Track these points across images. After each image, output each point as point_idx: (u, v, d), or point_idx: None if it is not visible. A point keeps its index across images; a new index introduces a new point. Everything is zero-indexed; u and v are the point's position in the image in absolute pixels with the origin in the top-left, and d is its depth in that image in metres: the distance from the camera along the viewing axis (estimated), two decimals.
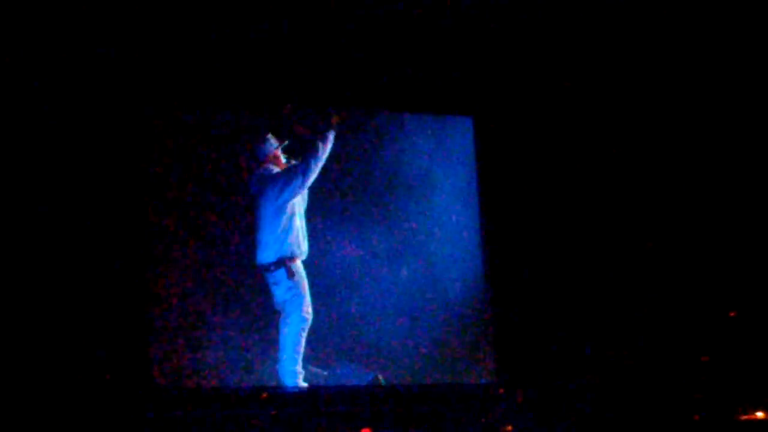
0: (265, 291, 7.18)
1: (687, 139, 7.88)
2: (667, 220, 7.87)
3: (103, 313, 6.63)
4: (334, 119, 7.26)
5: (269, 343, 7.17)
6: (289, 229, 7.15)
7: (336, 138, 7.27)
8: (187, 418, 6.62)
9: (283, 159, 7.30)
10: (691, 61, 7.81)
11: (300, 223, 7.23)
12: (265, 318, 7.23)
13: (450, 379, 7.58)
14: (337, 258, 7.54)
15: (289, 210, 7.17)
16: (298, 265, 7.19)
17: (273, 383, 7.10)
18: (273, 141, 7.28)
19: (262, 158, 7.26)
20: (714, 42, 7.70)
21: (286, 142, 7.29)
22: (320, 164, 7.16)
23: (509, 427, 7.34)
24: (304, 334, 7.11)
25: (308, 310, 7.15)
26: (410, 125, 7.88)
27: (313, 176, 7.16)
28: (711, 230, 7.82)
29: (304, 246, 7.22)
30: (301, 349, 7.09)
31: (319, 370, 7.26)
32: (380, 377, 7.36)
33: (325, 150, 7.17)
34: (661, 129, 7.91)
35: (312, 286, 7.22)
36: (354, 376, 7.35)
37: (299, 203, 7.26)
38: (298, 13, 7.16)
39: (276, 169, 7.26)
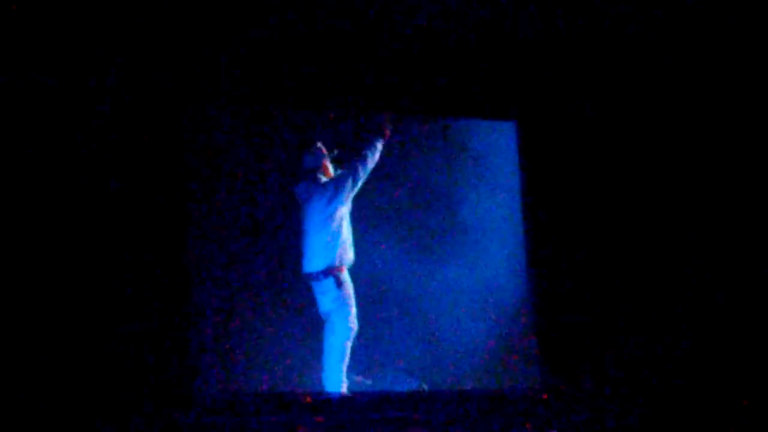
0: (308, 298, 7.22)
1: (739, 142, 7.80)
2: (716, 223, 7.78)
3: (146, 321, 6.66)
4: (387, 129, 7.25)
5: (313, 348, 7.19)
6: (337, 237, 7.15)
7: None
8: (230, 423, 6.66)
9: (330, 168, 7.30)
10: (740, 64, 7.72)
11: (348, 231, 7.24)
12: (310, 324, 7.25)
13: (493, 385, 7.53)
14: (380, 265, 7.52)
15: (338, 218, 7.18)
16: (346, 274, 7.20)
17: (318, 389, 7.13)
18: (323, 150, 7.29)
19: (312, 167, 7.25)
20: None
21: (336, 152, 7.30)
22: (368, 171, 7.18)
23: None
24: (350, 344, 7.13)
25: (354, 320, 7.16)
26: (453, 130, 7.86)
27: (361, 183, 7.18)
28: (758, 232, 7.74)
29: (351, 254, 7.23)
30: (347, 359, 7.12)
31: (362, 379, 7.26)
32: (424, 385, 7.35)
33: (374, 159, 7.18)
34: (708, 133, 7.83)
35: (356, 293, 7.24)
36: (398, 384, 7.35)
37: (347, 210, 7.27)
38: (344, 17, 7.17)
39: (324, 178, 7.26)
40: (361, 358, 7.32)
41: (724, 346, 7.57)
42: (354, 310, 7.17)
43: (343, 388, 7.10)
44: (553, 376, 7.57)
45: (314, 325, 7.24)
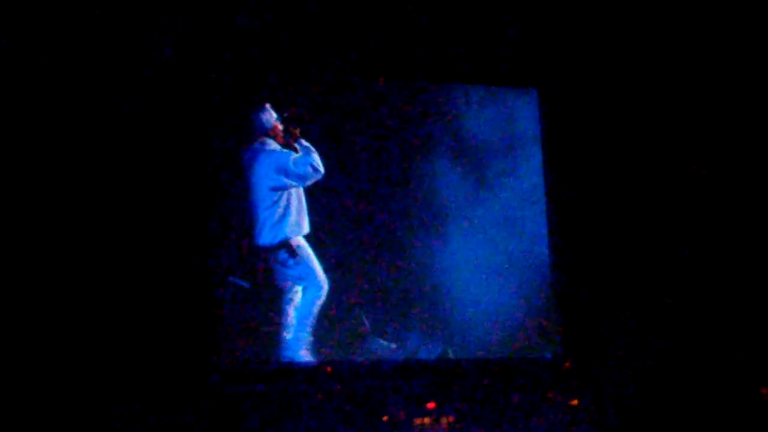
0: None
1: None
2: (742, 191, 7.69)
3: (170, 293, 6.72)
4: (295, 132, 7.16)
5: (331, 318, 7.20)
6: (287, 207, 7.11)
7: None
8: (251, 393, 6.74)
9: (281, 131, 7.16)
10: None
11: (298, 200, 7.17)
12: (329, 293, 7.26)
13: (516, 353, 7.52)
14: (408, 231, 7.50)
15: (286, 190, 7.15)
16: (299, 240, 7.13)
17: (338, 358, 7.15)
18: (272, 112, 7.16)
19: (259, 130, 7.14)
20: None
21: (286, 114, 7.17)
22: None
23: (575, 401, 7.32)
24: (318, 305, 7.11)
25: (322, 278, 7.13)
26: (475, 97, 7.80)
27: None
28: None
29: (305, 222, 7.15)
30: (312, 320, 7.09)
31: (386, 343, 7.28)
32: (449, 350, 7.35)
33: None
34: (732, 102, 7.70)
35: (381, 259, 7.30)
36: (423, 349, 7.37)
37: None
38: None
39: (273, 144, 7.15)
40: (386, 323, 7.31)
41: (747, 316, 7.50)
42: (320, 271, 7.12)
43: (303, 350, 7.06)
44: (576, 345, 7.53)
45: (334, 294, 7.24)
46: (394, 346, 7.34)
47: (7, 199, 6.51)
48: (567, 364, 7.48)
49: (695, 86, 7.67)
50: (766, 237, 7.61)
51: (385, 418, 6.99)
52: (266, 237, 7.10)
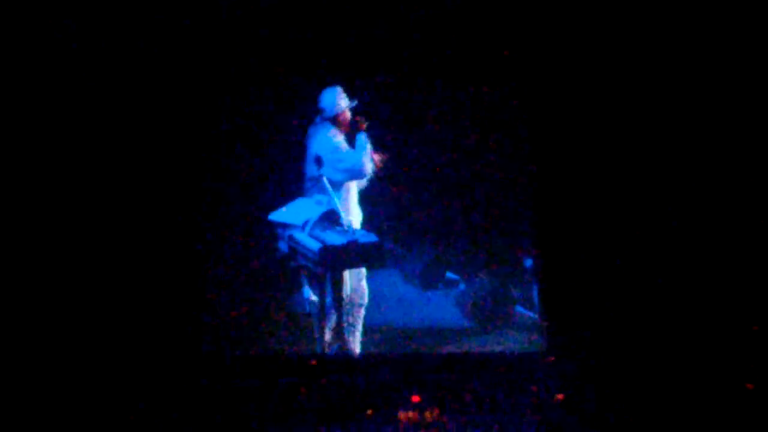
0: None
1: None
2: (727, 180, 7.69)
3: (155, 282, 6.75)
4: (362, 125, 7.02)
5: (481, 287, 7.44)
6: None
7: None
8: (235, 385, 6.77)
9: (348, 118, 7.03)
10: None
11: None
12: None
13: (498, 348, 7.55)
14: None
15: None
16: None
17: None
18: (342, 97, 7.03)
19: (326, 107, 7.02)
20: None
21: (355, 102, 7.08)
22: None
23: (559, 396, 7.33)
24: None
25: None
26: (459, 95, 7.84)
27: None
28: None
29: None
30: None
31: (531, 314, 7.49)
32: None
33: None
34: (728, 99, 7.74)
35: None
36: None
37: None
38: None
39: (336, 133, 7.06)
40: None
41: (736, 309, 7.51)
42: None
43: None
44: (558, 339, 7.56)
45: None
46: (538, 318, 7.47)
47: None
48: (550, 359, 7.50)
49: (682, 76, 7.71)
50: (758, 232, 7.63)
51: (369, 411, 7.01)
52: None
